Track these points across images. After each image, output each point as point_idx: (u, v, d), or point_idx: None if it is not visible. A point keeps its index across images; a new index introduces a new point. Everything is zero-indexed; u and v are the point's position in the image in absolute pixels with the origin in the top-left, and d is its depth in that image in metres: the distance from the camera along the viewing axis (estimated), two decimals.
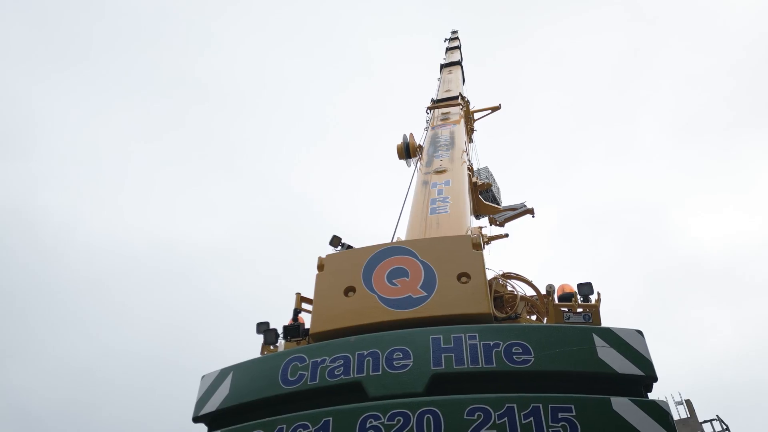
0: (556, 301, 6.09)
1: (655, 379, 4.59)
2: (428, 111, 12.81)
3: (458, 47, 16.65)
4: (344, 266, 6.14)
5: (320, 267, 6.23)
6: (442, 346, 4.96)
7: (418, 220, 8.23)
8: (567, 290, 5.94)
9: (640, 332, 4.83)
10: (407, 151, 11.55)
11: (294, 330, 6.15)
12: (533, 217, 10.56)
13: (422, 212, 8.34)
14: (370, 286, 5.82)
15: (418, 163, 10.68)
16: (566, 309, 5.72)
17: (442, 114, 12.16)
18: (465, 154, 10.19)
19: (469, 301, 5.49)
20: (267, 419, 5.05)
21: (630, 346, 4.73)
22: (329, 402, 4.95)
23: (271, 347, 6.66)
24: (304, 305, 6.66)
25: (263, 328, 6.63)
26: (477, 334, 4.95)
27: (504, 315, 6.05)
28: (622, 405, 4.36)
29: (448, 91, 13.55)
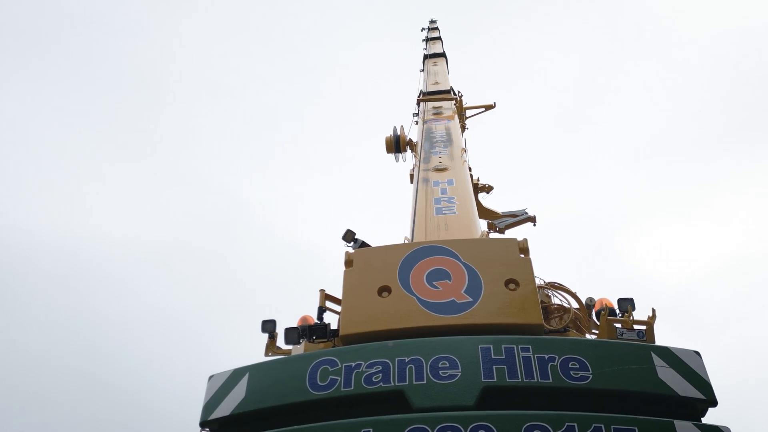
0: (594, 316, 5.94)
1: (715, 404, 4.48)
2: (418, 104, 12.41)
3: (439, 38, 16.24)
4: (377, 264, 5.68)
5: (348, 263, 5.74)
6: (493, 356, 4.66)
7: (422, 219, 7.88)
8: (607, 304, 5.78)
9: (698, 353, 4.72)
10: (397, 144, 11.16)
11: (321, 330, 5.64)
12: (534, 225, 10.42)
13: (427, 211, 8.00)
14: (408, 287, 5.41)
15: (414, 158, 10.32)
16: (619, 325, 5.54)
17: (434, 108, 11.77)
18: (464, 152, 9.92)
19: (519, 310, 5.21)
20: (294, 427, 4.59)
21: (689, 367, 4.60)
22: (365, 412, 4.54)
23: (278, 348, 6.19)
24: (329, 304, 6.15)
25: (270, 327, 6.11)
26: (530, 346, 4.68)
27: (552, 327, 5.82)
28: (685, 429, 4.22)
29: (436, 84, 13.12)
